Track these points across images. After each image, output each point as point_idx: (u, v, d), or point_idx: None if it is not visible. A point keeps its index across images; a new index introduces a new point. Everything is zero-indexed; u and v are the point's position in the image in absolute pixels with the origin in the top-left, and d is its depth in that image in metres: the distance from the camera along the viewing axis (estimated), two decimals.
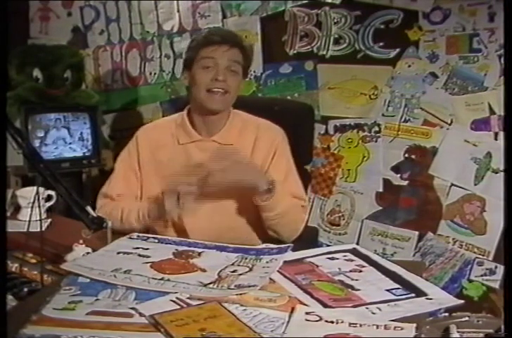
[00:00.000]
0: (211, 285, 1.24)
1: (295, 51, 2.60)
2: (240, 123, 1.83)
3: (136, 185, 1.83)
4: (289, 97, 2.62)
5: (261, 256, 1.42)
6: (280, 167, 1.80)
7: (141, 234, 1.60)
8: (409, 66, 2.39)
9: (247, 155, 1.78)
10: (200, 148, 1.80)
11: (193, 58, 1.76)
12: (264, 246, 1.51)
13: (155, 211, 1.69)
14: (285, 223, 1.74)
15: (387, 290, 1.25)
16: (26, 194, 1.84)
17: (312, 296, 1.21)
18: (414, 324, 1.09)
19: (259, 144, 1.80)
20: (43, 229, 1.50)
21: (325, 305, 1.17)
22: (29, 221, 1.46)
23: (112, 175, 1.87)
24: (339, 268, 1.35)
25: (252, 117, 1.87)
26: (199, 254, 1.44)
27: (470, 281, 2.40)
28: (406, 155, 2.46)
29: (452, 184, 2.38)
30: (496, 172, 2.28)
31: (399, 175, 2.49)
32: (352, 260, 1.41)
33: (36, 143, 2.60)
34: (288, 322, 1.10)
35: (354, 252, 1.46)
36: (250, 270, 1.33)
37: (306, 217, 1.87)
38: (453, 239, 2.41)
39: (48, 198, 1.83)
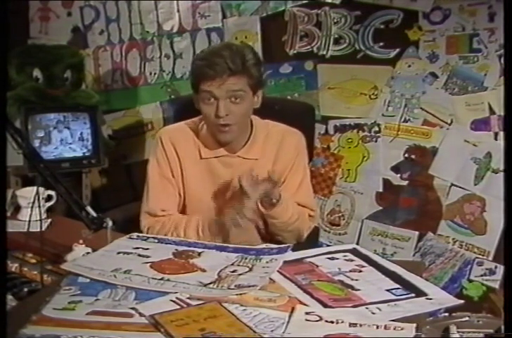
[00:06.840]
0: (211, 285, 1.24)
1: (294, 51, 2.59)
2: (264, 134, 1.79)
3: (175, 194, 1.77)
4: (289, 97, 2.62)
5: (261, 256, 1.42)
6: (297, 175, 1.80)
7: (140, 234, 1.60)
8: (409, 66, 2.39)
9: (269, 166, 1.76)
10: (224, 164, 1.77)
11: (195, 88, 1.67)
12: (264, 246, 1.51)
13: (216, 226, 1.67)
14: (289, 230, 1.74)
15: (387, 290, 1.25)
16: (26, 194, 1.84)
17: (312, 296, 1.21)
18: (414, 325, 1.09)
19: (282, 153, 1.79)
20: (43, 229, 1.50)
21: (325, 305, 1.17)
22: (29, 221, 1.46)
23: (148, 189, 1.78)
24: (339, 268, 1.35)
25: (275, 125, 1.82)
26: (199, 254, 1.44)
27: (470, 281, 2.40)
28: (406, 155, 2.46)
29: (452, 184, 2.38)
30: (496, 172, 2.28)
31: (399, 175, 2.48)
32: (351, 260, 1.41)
33: (36, 143, 2.60)
34: (288, 322, 1.10)
35: (354, 252, 1.46)
36: (250, 270, 1.33)
37: (312, 226, 1.86)
38: (453, 239, 2.41)
39: (48, 198, 1.83)
